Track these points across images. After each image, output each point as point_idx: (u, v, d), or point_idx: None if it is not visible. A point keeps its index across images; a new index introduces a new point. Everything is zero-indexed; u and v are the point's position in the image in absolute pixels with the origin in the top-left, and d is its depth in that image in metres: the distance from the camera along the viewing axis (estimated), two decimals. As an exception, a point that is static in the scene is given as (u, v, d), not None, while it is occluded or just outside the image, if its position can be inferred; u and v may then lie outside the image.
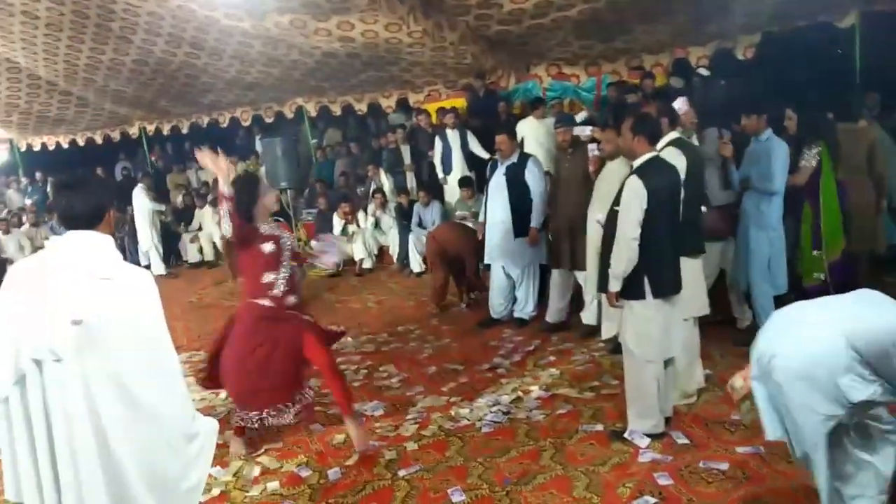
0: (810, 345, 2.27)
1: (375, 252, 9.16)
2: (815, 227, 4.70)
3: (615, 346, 4.76)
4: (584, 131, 5.55)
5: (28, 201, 12.44)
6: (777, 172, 4.52)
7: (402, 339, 5.92)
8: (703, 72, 7.85)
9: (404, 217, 8.77)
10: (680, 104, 4.55)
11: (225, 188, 3.49)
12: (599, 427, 3.83)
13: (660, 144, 3.92)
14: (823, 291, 4.68)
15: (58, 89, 10.31)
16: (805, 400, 2.28)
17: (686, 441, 3.56)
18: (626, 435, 3.62)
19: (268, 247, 3.64)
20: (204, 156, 3.54)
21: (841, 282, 4.68)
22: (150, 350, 2.21)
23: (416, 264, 8.48)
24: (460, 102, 9.43)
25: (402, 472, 3.55)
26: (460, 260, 6.47)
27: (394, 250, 8.94)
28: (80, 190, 2.26)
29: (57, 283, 2.10)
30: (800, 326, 2.38)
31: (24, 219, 11.30)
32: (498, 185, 5.74)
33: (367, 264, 9.00)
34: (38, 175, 13.96)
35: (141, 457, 2.17)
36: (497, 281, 5.88)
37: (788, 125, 4.94)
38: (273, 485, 3.59)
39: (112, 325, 2.11)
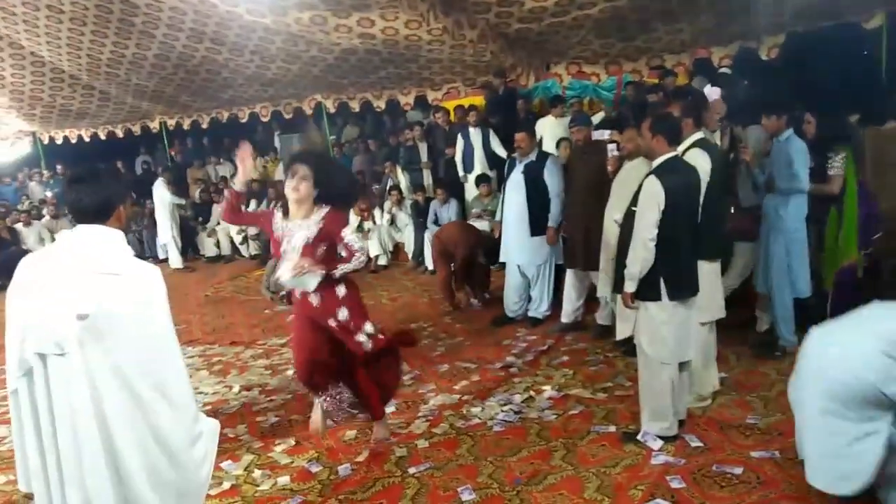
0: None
1: (391, 249, 9.17)
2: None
3: (629, 348, 4.72)
4: (603, 135, 5.52)
5: (49, 194, 12.59)
6: (800, 171, 4.45)
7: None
8: (726, 71, 7.76)
9: (420, 214, 8.77)
10: (710, 91, 4.51)
11: (240, 184, 3.54)
12: (612, 428, 3.80)
13: (684, 145, 3.88)
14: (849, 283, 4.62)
15: (81, 83, 10.42)
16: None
17: (700, 444, 3.52)
18: (638, 437, 3.58)
19: None
20: (245, 152, 3.54)
21: (846, 290, 4.63)
22: (155, 346, 2.20)
23: (430, 262, 8.46)
24: (479, 100, 9.40)
25: (412, 470, 3.54)
26: (463, 257, 6.48)
27: (409, 247, 8.94)
28: (90, 183, 2.25)
29: (63, 277, 2.10)
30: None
31: (45, 211, 11.45)
32: (516, 184, 5.71)
33: (383, 261, 9.01)
34: (59, 168, 14.13)
35: (144, 453, 2.16)
36: (512, 279, 5.86)
37: (807, 129, 4.86)
38: (283, 479, 3.60)
39: (117, 321, 2.10)
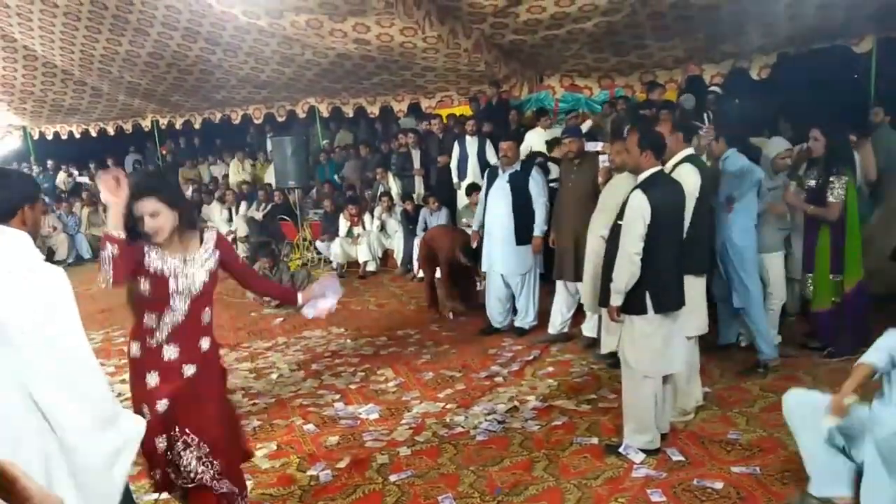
0: None
1: (380, 255, 9.15)
2: (836, 252, 4.61)
3: (614, 361, 4.73)
4: (596, 146, 5.55)
5: (40, 189, 12.49)
6: (742, 189, 4.52)
7: (401, 343, 5.90)
8: (718, 90, 7.84)
9: (410, 221, 8.77)
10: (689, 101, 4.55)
11: (115, 229, 2.45)
12: (594, 440, 3.80)
13: (674, 160, 3.91)
14: (834, 315, 4.65)
15: (73, 79, 10.38)
16: None
17: (681, 458, 3.52)
18: (620, 449, 3.58)
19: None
20: (108, 180, 2.46)
21: (854, 310, 4.65)
22: (58, 349, 2.06)
23: (419, 269, 8.46)
24: (469, 110, 9.46)
25: (393, 478, 3.53)
26: (447, 260, 6.49)
27: (398, 254, 8.93)
28: None
29: None
30: None
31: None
32: (500, 193, 5.72)
33: (371, 267, 8.99)
34: (49, 163, 14.06)
35: (47, 459, 1.99)
36: (495, 289, 5.86)
37: (814, 147, 4.72)
38: (264, 485, 3.57)
39: (11, 324, 1.96)
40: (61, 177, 14.04)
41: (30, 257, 2.10)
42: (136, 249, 2.57)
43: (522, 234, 5.64)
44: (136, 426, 2.32)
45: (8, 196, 2.17)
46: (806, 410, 2.96)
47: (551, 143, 7.61)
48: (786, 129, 5.73)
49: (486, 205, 5.89)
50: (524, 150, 7.47)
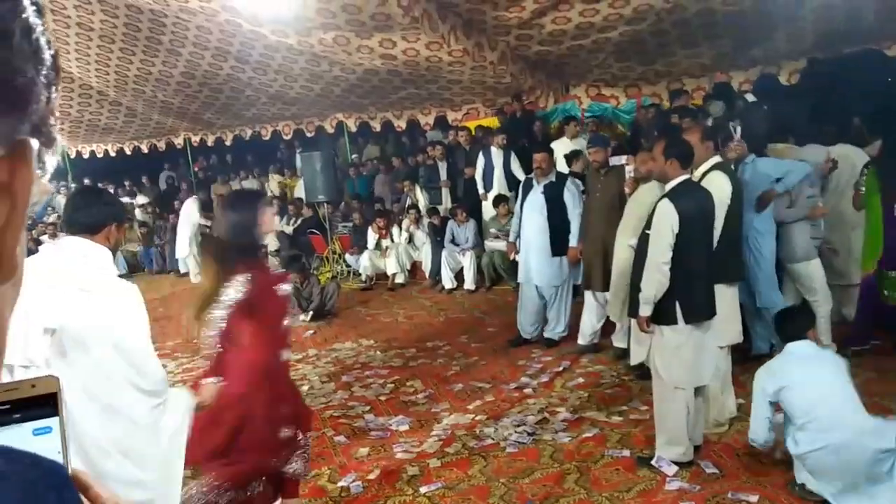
0: None
1: (408, 267, 9.20)
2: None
3: (643, 371, 4.69)
4: (620, 161, 5.54)
5: (129, 212, 12.85)
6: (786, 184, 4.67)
7: (430, 354, 5.91)
8: (749, 97, 7.73)
9: (437, 234, 8.80)
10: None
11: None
12: (626, 452, 3.77)
13: (703, 167, 3.89)
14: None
15: (108, 99, 10.65)
16: None
17: (715, 471, 3.47)
18: (653, 462, 3.55)
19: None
20: None
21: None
22: (127, 365, 2.18)
23: (447, 280, 8.49)
24: (496, 122, 9.47)
25: (423, 489, 3.53)
26: None
27: (426, 266, 8.96)
28: (88, 199, 2.36)
29: (37, 290, 2.06)
30: None
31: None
32: (535, 205, 5.72)
33: (400, 279, 9.04)
34: (86, 181, 14.39)
35: (117, 466, 2.14)
36: (528, 301, 5.85)
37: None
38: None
39: (88, 337, 2.09)
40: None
41: (103, 273, 2.26)
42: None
43: (558, 245, 5.64)
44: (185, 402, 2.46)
45: (99, 212, 2.31)
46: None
47: (570, 157, 7.58)
48: (829, 133, 5.63)
49: (521, 216, 5.90)
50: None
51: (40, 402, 0.58)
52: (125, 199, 13.75)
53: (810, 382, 3.09)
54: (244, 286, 2.75)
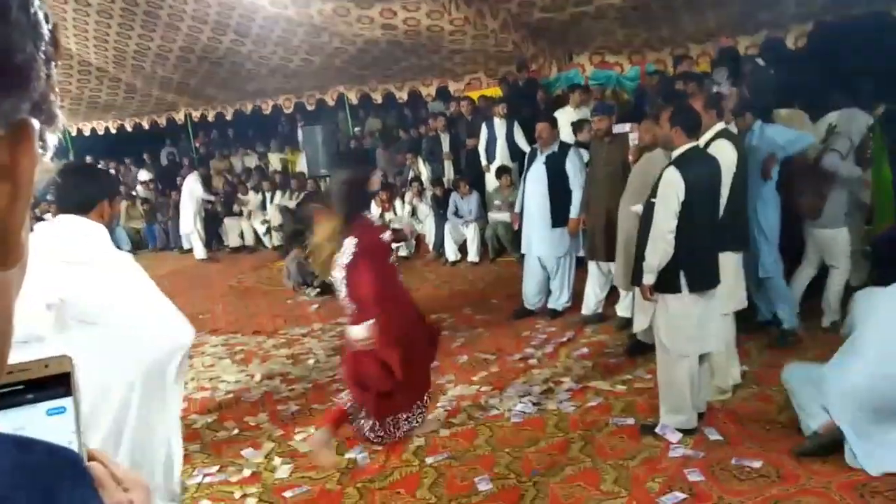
0: None
1: (412, 240, 9.18)
2: None
3: (633, 344, 4.71)
4: (623, 128, 5.48)
5: (121, 186, 12.80)
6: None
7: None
8: (760, 61, 7.57)
9: (440, 206, 8.77)
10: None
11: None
12: (630, 421, 3.78)
13: (707, 136, 3.85)
14: None
15: (108, 76, 10.57)
16: None
17: (719, 437, 3.49)
18: (657, 430, 3.56)
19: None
20: None
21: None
22: (129, 327, 2.23)
23: (451, 253, 8.48)
24: (499, 91, 9.37)
25: (429, 460, 3.56)
26: None
27: (430, 239, 8.95)
28: (79, 177, 2.37)
29: (36, 266, 2.09)
30: None
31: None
32: (537, 175, 5.68)
33: (403, 252, 9.02)
34: (88, 159, 14.35)
35: (132, 434, 2.22)
36: (531, 272, 5.84)
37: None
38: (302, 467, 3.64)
39: (89, 307, 2.13)
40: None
41: (98, 246, 2.27)
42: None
43: (559, 216, 5.61)
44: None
45: (90, 190, 2.34)
46: (801, 372, 3.40)
47: (576, 126, 7.49)
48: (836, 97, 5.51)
49: (524, 187, 5.87)
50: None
51: (54, 382, 0.57)
52: (134, 172, 13.74)
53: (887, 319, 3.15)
54: (360, 237, 3.35)
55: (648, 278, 3.45)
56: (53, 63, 0.46)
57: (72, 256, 2.17)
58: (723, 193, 3.66)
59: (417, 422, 3.77)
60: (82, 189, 2.31)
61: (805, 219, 4.84)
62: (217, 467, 3.72)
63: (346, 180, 3.49)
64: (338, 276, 3.45)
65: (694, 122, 3.52)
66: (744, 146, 4.23)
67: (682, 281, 3.41)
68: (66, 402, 0.58)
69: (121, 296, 2.21)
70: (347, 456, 3.70)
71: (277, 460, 3.75)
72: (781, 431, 3.49)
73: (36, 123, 0.45)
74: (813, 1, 6.71)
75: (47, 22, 0.45)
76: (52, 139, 0.49)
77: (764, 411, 3.73)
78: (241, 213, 11.30)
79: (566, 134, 7.38)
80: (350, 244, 3.36)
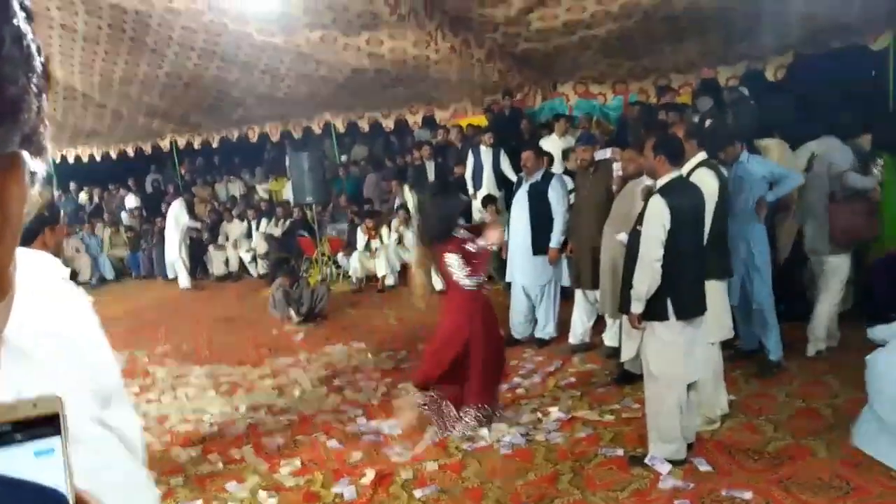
0: None
1: (398, 268, 9.16)
2: None
3: (621, 374, 4.71)
4: (605, 154, 5.53)
5: (61, 212, 12.68)
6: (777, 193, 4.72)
7: (421, 356, 5.87)
8: (744, 91, 7.67)
9: (428, 233, 8.76)
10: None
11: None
12: (619, 451, 3.76)
13: (689, 165, 3.89)
14: None
15: (93, 102, 10.52)
16: None
17: (709, 468, 3.47)
18: (646, 460, 3.54)
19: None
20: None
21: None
22: (77, 369, 2.18)
23: (438, 281, 8.44)
24: (483, 120, 9.45)
25: (418, 493, 3.51)
26: None
27: (417, 266, 8.92)
28: None
29: None
30: None
31: (57, 228, 11.52)
32: (520, 203, 5.72)
33: (390, 281, 9.01)
34: (72, 186, 14.28)
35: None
36: (516, 300, 5.83)
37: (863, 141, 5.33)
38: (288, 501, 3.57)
39: (32, 343, 2.08)
40: (82, 198, 14.27)
41: (53, 277, 2.18)
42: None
43: (540, 244, 5.62)
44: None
45: (28, 223, 2.25)
46: None
47: (566, 153, 7.58)
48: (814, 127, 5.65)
49: (509, 216, 5.89)
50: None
51: (42, 423, 0.56)
52: (118, 199, 13.61)
53: None
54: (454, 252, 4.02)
55: (637, 306, 3.46)
56: (45, 95, 0.45)
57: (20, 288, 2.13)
58: (706, 222, 3.69)
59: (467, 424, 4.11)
60: None
61: (849, 244, 4.87)
62: (200, 502, 3.64)
63: (442, 212, 4.14)
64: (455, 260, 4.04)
65: (677, 151, 3.55)
66: (728, 176, 4.29)
67: (670, 308, 3.41)
68: (54, 442, 0.56)
69: (70, 330, 2.15)
70: (334, 490, 3.64)
71: (262, 494, 3.67)
72: (770, 461, 3.48)
73: (26, 156, 0.44)
74: (790, 33, 6.85)
75: (39, 55, 0.44)
76: (42, 170, 0.48)
77: (752, 441, 3.72)
78: (226, 241, 11.20)
79: (559, 161, 7.46)
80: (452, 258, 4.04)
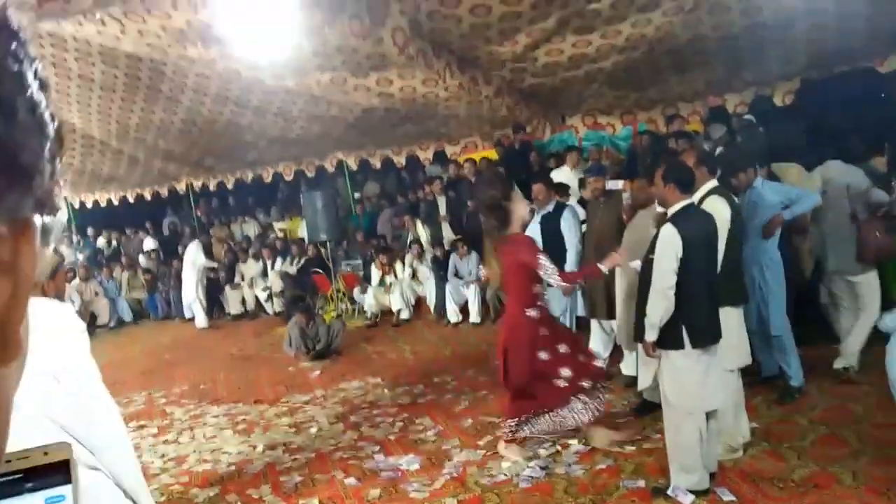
0: None
1: (413, 303, 9.18)
2: None
3: (640, 405, 4.67)
4: (616, 185, 5.56)
5: (80, 256, 12.87)
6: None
7: (438, 390, 5.86)
8: (751, 118, 7.71)
9: (441, 268, 8.80)
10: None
11: None
12: (641, 483, 3.70)
13: (700, 193, 3.90)
14: None
15: (110, 148, 10.76)
16: None
17: (732, 498, 3.41)
18: (668, 491, 3.49)
19: None
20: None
21: None
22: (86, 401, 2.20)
23: (452, 314, 8.46)
24: (494, 154, 9.54)
25: (436, 529, 3.47)
26: None
27: (431, 301, 8.94)
28: None
29: None
30: None
31: (76, 274, 11.69)
32: (533, 234, 5.72)
33: (405, 315, 9.02)
34: (90, 231, 14.49)
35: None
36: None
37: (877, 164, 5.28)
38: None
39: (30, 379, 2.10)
40: (101, 242, 14.48)
41: (49, 321, 2.23)
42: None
43: None
44: None
45: None
46: None
47: (582, 182, 7.61)
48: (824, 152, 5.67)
49: None
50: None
51: (53, 471, 0.57)
52: (135, 242, 13.78)
53: None
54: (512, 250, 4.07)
55: (651, 335, 3.44)
56: (58, 159, 0.48)
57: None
58: (719, 249, 3.68)
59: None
60: None
61: (877, 262, 4.84)
62: (219, 543, 3.62)
63: (489, 201, 4.10)
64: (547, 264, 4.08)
65: (687, 179, 3.57)
66: (741, 202, 4.29)
67: (685, 337, 3.39)
68: (65, 490, 0.57)
69: (49, 368, 2.17)
70: (352, 527, 3.61)
71: None
72: (795, 490, 3.41)
73: (39, 222, 0.46)
74: (797, 59, 6.90)
75: (53, 121, 0.46)
76: (57, 229, 0.50)
77: (776, 469, 3.65)
78: (241, 280, 11.28)
79: (576, 191, 7.50)
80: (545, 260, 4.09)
